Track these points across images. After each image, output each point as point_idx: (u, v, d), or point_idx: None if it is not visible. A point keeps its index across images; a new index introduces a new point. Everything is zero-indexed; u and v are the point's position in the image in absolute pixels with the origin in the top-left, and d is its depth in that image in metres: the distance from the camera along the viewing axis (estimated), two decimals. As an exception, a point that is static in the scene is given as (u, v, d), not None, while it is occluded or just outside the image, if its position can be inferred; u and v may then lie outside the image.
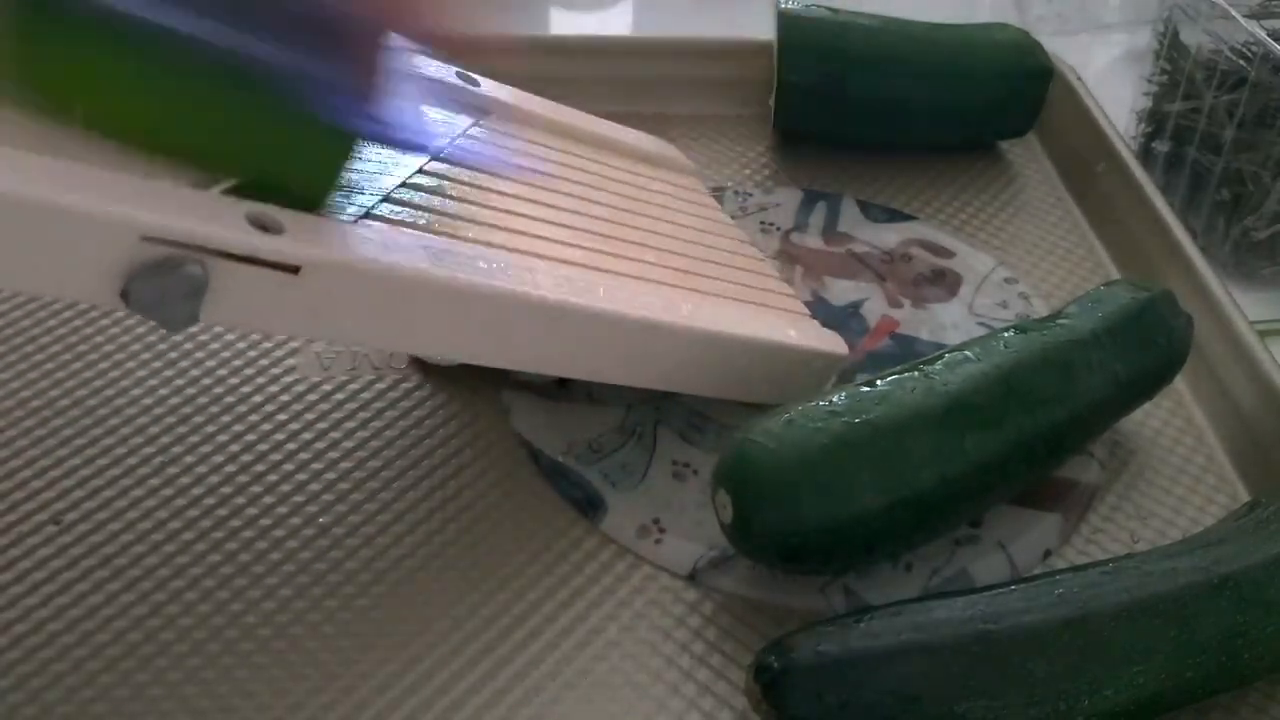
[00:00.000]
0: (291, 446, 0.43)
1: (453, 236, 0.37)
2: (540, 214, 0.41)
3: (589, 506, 0.42)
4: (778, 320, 0.44)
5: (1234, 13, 0.57)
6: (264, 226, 0.30)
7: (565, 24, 0.79)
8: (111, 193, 0.28)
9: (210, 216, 0.29)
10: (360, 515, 0.41)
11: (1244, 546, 0.37)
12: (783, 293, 0.47)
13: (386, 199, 0.37)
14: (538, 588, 0.39)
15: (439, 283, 0.34)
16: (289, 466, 0.42)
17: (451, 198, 0.39)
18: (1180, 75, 0.62)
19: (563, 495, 0.42)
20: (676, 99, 0.63)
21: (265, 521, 0.40)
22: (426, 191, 0.38)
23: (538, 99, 0.48)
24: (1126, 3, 0.83)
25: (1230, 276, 0.57)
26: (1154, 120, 0.64)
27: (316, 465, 0.42)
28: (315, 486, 0.42)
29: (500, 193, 0.41)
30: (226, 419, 0.44)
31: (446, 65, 0.46)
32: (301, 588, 0.38)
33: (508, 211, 0.40)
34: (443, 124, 0.43)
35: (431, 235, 0.36)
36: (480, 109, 0.46)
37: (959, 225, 0.58)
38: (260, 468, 0.42)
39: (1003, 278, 0.54)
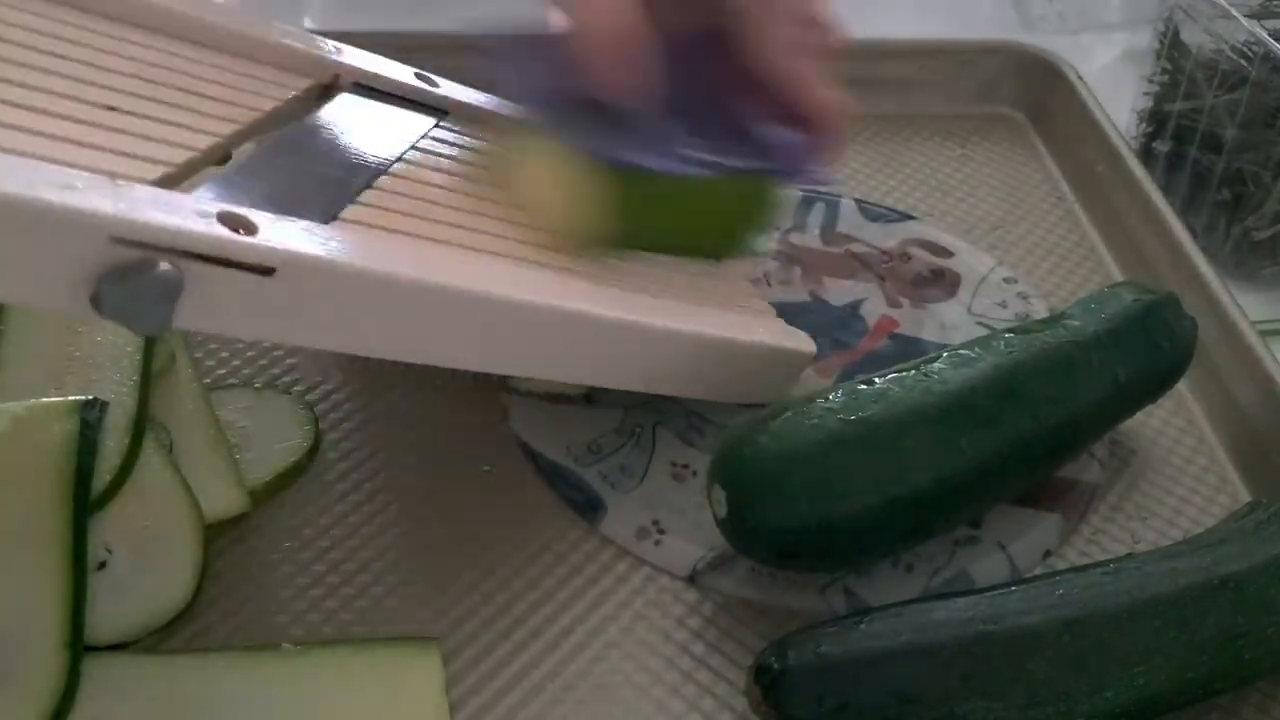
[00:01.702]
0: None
1: (427, 238, 0.36)
2: (507, 215, 0.41)
3: (588, 508, 0.42)
4: (746, 320, 0.44)
5: (1235, 12, 0.57)
6: (236, 227, 0.30)
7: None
8: (77, 192, 0.27)
9: (181, 216, 0.29)
10: (360, 516, 0.41)
11: (1245, 547, 0.37)
12: (748, 292, 0.47)
13: (354, 201, 0.36)
14: (537, 589, 0.39)
15: (419, 283, 0.33)
16: (288, 468, 0.42)
17: (420, 199, 0.39)
18: (1181, 75, 0.62)
19: (562, 497, 0.42)
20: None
21: (264, 522, 0.40)
22: (394, 194, 0.38)
23: (494, 98, 0.48)
24: (1127, 2, 0.83)
25: (1231, 276, 0.57)
26: (1155, 120, 0.64)
27: (316, 465, 0.42)
28: (315, 487, 0.42)
29: (466, 194, 0.41)
30: (225, 420, 0.44)
31: (404, 67, 0.46)
32: (301, 589, 0.38)
33: (475, 213, 0.40)
34: (405, 125, 0.43)
35: (405, 236, 0.36)
36: (440, 110, 0.45)
37: (958, 225, 0.58)
38: (259, 469, 0.42)
39: (1002, 277, 0.53)
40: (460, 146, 0.44)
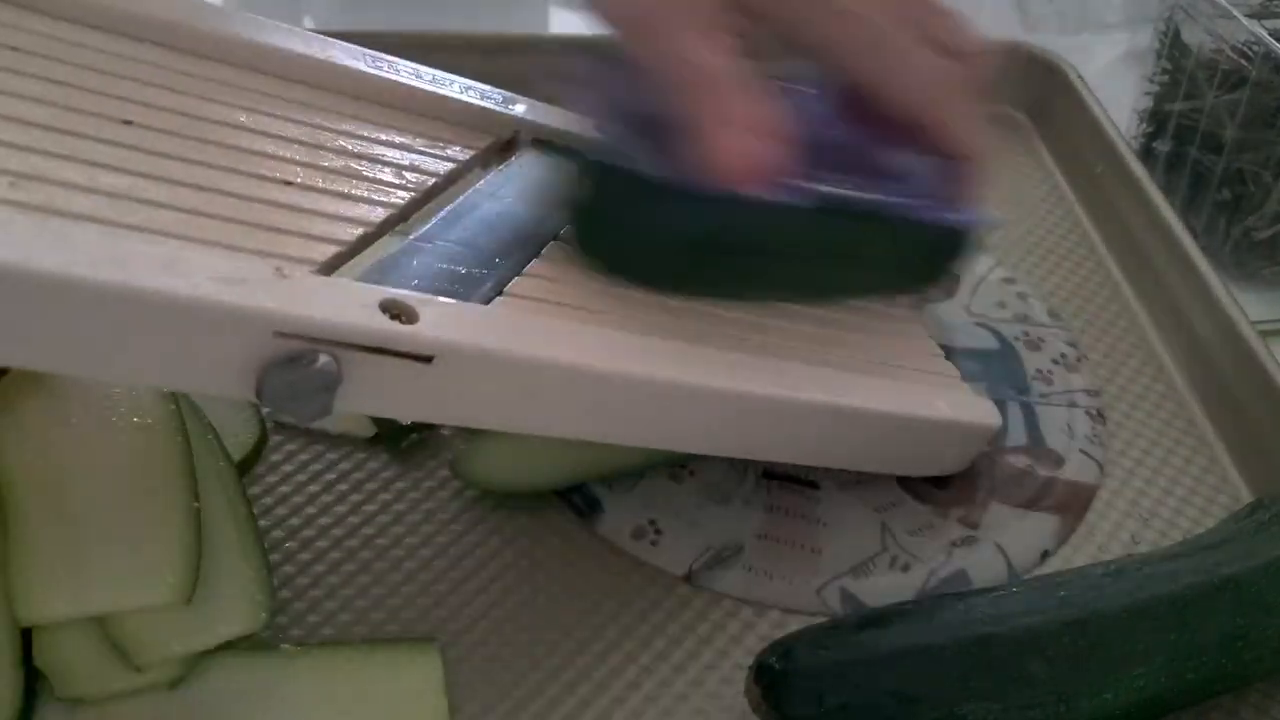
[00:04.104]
0: (291, 448, 0.43)
1: (592, 310, 0.35)
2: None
3: (585, 508, 0.42)
4: (924, 390, 0.41)
5: (1235, 12, 0.57)
6: (397, 315, 0.30)
7: (565, 24, 0.79)
8: (242, 286, 0.27)
9: (343, 307, 0.29)
10: (359, 516, 0.41)
11: (1245, 548, 0.37)
12: (926, 351, 0.44)
13: (521, 274, 0.35)
14: (536, 590, 0.39)
15: (576, 368, 0.32)
16: (288, 467, 0.42)
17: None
18: (1181, 75, 0.62)
19: (560, 497, 0.42)
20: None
21: (264, 522, 0.40)
22: (562, 263, 0.37)
23: None
24: (1127, 2, 0.83)
25: (1231, 276, 0.57)
26: (1155, 120, 0.64)
27: (316, 466, 0.42)
28: (314, 488, 0.42)
29: None
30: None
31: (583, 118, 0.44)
32: (300, 589, 0.38)
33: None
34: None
35: (568, 310, 0.35)
36: None
37: (959, 225, 0.57)
38: (258, 469, 0.42)
39: (1000, 277, 0.53)
40: None
